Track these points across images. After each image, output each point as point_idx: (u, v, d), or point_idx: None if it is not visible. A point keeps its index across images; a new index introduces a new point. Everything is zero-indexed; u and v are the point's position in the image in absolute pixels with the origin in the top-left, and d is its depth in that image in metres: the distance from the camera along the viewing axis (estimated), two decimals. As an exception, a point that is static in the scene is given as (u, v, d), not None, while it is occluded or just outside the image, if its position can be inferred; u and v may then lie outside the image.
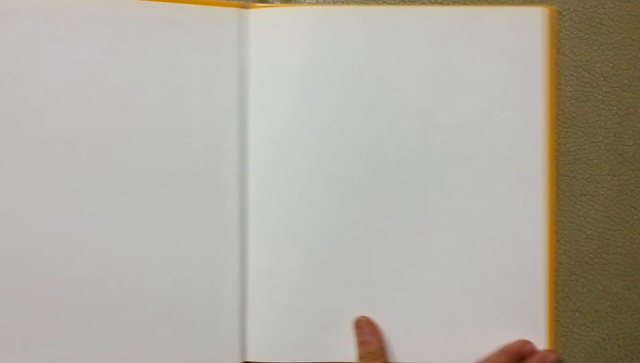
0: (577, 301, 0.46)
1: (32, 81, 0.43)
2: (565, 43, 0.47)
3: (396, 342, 0.45)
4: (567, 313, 0.46)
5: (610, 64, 0.47)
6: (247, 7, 0.45)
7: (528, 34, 0.46)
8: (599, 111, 0.47)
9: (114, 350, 0.44)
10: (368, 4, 0.47)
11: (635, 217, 0.46)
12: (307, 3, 0.47)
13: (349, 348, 0.45)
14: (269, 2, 0.46)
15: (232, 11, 0.45)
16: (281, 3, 0.47)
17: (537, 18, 0.46)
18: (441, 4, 0.47)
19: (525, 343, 0.45)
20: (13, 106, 0.43)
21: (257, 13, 0.45)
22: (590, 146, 0.47)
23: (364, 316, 0.45)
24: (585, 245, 0.46)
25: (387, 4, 0.46)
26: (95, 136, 0.44)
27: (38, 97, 0.43)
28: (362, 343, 0.44)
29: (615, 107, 0.47)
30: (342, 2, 0.47)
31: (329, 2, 0.47)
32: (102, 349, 0.44)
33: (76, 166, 0.43)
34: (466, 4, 0.47)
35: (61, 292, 0.43)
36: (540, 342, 0.45)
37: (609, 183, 0.46)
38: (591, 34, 0.47)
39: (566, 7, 0.47)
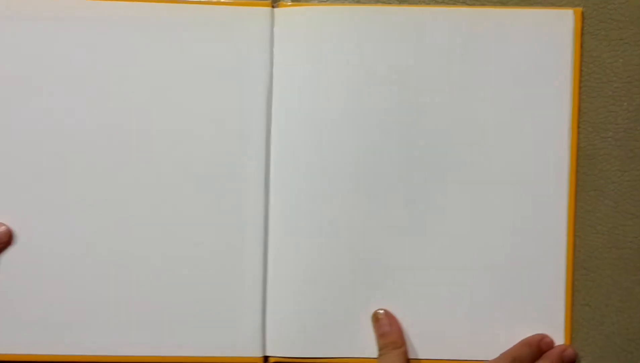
0: (587, 296, 0.47)
1: (72, 82, 0.46)
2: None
3: (416, 339, 0.46)
4: (577, 308, 0.47)
5: (621, 60, 0.47)
6: (273, 6, 0.46)
7: (557, 35, 0.46)
8: (609, 107, 0.47)
9: (143, 339, 0.46)
10: (396, 4, 0.47)
11: (646, 211, 0.47)
12: (315, 2, 0.47)
13: (368, 344, 0.46)
14: (294, 2, 0.47)
15: (259, 10, 0.46)
16: (290, 1, 0.47)
17: (566, 19, 0.46)
18: (470, 5, 0.47)
19: (544, 336, 0.46)
20: (51, 106, 0.46)
21: (283, 12, 0.46)
22: (601, 141, 0.47)
23: (382, 309, 0.46)
24: (595, 240, 0.47)
25: (416, 4, 0.47)
26: (129, 135, 0.46)
27: (75, 98, 0.46)
28: (381, 335, 0.46)
29: (625, 103, 0.47)
30: (360, 1, 0.47)
31: (343, 1, 0.47)
32: (133, 337, 0.46)
33: (110, 164, 0.46)
34: (494, 5, 0.47)
35: (96, 283, 0.46)
36: (559, 337, 0.46)
37: (619, 178, 0.47)
38: (601, 30, 0.47)
39: (577, 3, 0.47)
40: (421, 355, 0.46)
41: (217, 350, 0.46)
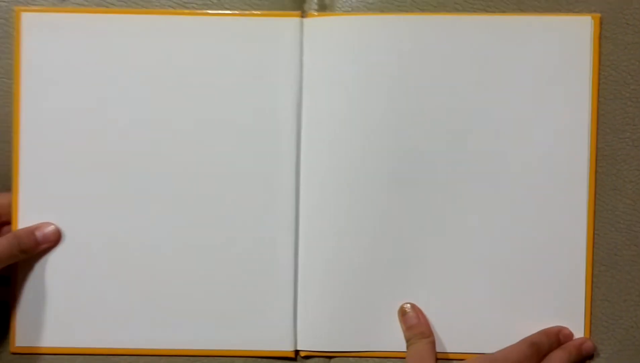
0: (606, 291, 0.49)
1: (122, 87, 0.49)
2: (593, 44, 0.49)
3: (440, 332, 0.48)
4: (596, 303, 0.48)
5: (637, 63, 0.48)
6: (302, 17, 0.49)
7: (576, 41, 0.48)
8: (627, 108, 0.49)
9: (179, 334, 0.49)
10: (419, 12, 0.49)
11: (663, 209, 0.48)
12: (344, 12, 0.50)
13: (396, 338, 0.48)
14: (322, 12, 0.49)
15: (289, 21, 0.48)
16: (318, 12, 0.50)
17: (584, 25, 0.48)
18: (492, 12, 0.49)
19: (563, 328, 0.48)
20: (101, 108, 0.49)
21: (311, 22, 0.49)
22: (618, 142, 0.49)
23: (409, 303, 0.48)
24: (614, 238, 0.49)
25: (440, 12, 0.49)
26: (170, 136, 0.49)
27: (124, 100, 0.49)
28: (409, 327, 0.47)
29: (642, 105, 0.49)
30: (385, 11, 0.49)
31: (369, 10, 0.49)
32: (169, 332, 0.49)
33: (152, 164, 0.49)
34: (516, 13, 0.49)
35: (136, 280, 0.49)
36: (579, 331, 0.48)
37: (637, 177, 0.48)
38: (618, 34, 0.48)
39: (592, 8, 0.49)
40: (445, 349, 0.48)
41: (251, 344, 0.49)
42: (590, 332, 0.48)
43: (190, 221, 0.49)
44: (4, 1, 0.49)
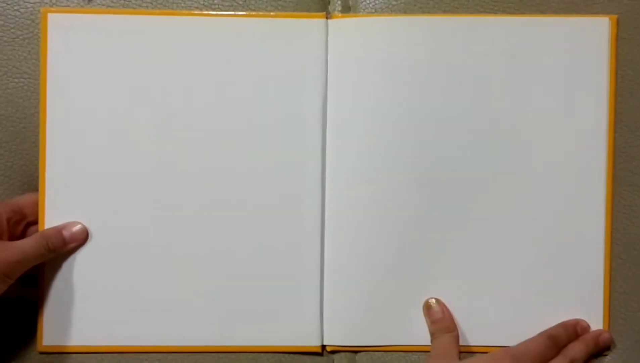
0: (623, 284, 0.50)
1: (150, 88, 0.49)
2: (610, 44, 0.50)
3: (463, 326, 0.49)
4: (614, 295, 0.50)
5: (653, 62, 0.50)
6: (327, 18, 0.49)
7: (594, 41, 0.49)
8: (643, 107, 0.50)
9: (208, 331, 0.49)
10: (441, 14, 0.50)
11: (678, 204, 0.50)
12: (367, 13, 0.50)
13: (420, 333, 0.49)
14: (346, 13, 0.50)
15: (314, 22, 0.49)
16: (342, 13, 0.50)
17: (602, 26, 0.49)
18: (511, 14, 0.50)
19: (580, 320, 0.49)
20: (129, 110, 0.49)
21: (336, 23, 0.49)
22: (635, 139, 0.50)
23: (433, 298, 0.49)
24: (631, 232, 0.50)
25: (461, 13, 0.50)
26: (198, 137, 0.49)
27: (152, 102, 0.49)
28: (434, 321, 0.49)
29: (658, 103, 0.50)
30: (408, 12, 0.50)
31: (392, 12, 0.50)
32: (199, 329, 0.49)
33: (181, 166, 0.49)
34: (535, 14, 0.50)
35: (167, 279, 0.49)
36: (597, 323, 0.50)
37: (653, 174, 0.50)
38: (635, 35, 0.50)
39: (610, 9, 0.50)
40: (469, 342, 0.50)
41: (277, 339, 0.50)
42: (609, 324, 0.50)
43: (217, 219, 0.49)
44: (30, 2, 0.50)
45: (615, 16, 0.50)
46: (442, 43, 0.49)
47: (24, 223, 0.49)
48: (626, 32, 0.50)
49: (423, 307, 0.49)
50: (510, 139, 0.49)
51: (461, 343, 0.49)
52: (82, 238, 0.49)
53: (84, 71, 0.49)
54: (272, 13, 0.50)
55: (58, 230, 0.48)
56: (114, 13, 0.49)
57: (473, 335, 0.50)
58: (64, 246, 0.48)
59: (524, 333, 0.48)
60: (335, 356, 0.50)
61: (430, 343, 0.49)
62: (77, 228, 0.48)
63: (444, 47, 0.49)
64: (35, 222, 0.49)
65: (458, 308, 0.49)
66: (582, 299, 0.50)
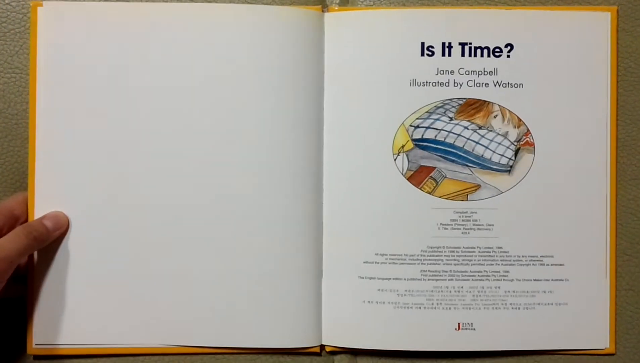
0: (630, 281, 0.49)
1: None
2: (611, 36, 0.49)
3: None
4: (620, 292, 0.49)
5: (656, 55, 0.49)
6: (323, 11, 0.49)
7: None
8: (646, 99, 0.49)
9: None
10: (440, 6, 0.49)
11: (683, 199, 0.49)
12: (365, 6, 0.50)
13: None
14: (343, 6, 0.49)
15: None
16: (339, 6, 0.50)
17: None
18: (511, 6, 0.49)
19: None
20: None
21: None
22: (638, 132, 0.49)
23: None
24: (636, 227, 0.49)
25: (459, 6, 0.49)
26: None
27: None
28: None
29: (661, 96, 0.49)
30: (407, 4, 0.50)
31: (391, 4, 0.50)
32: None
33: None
34: (535, 7, 0.49)
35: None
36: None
37: (657, 167, 0.49)
38: (636, 26, 0.49)
39: (612, 1, 0.49)
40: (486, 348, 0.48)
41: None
42: (616, 322, 0.49)
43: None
44: (22, -4, 0.49)
45: (615, 7, 0.49)
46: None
47: (18, 224, 0.47)
48: (627, 24, 0.49)
49: None
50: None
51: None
52: (65, 224, 0.47)
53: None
54: (267, 5, 0.49)
55: (39, 221, 0.47)
56: (106, 2, 0.48)
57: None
58: (49, 235, 0.46)
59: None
60: (336, 357, 0.49)
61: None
62: (58, 215, 0.47)
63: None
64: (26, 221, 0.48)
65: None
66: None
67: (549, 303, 0.48)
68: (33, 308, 0.48)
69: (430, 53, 0.48)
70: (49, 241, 0.47)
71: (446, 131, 0.49)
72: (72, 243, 0.48)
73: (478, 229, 0.48)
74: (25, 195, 0.48)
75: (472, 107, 0.49)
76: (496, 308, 0.48)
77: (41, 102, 0.48)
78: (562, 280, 0.48)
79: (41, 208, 0.48)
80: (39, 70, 0.48)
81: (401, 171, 0.48)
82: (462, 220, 0.48)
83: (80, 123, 0.48)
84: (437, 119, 0.49)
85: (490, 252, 0.48)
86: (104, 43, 0.48)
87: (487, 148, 0.48)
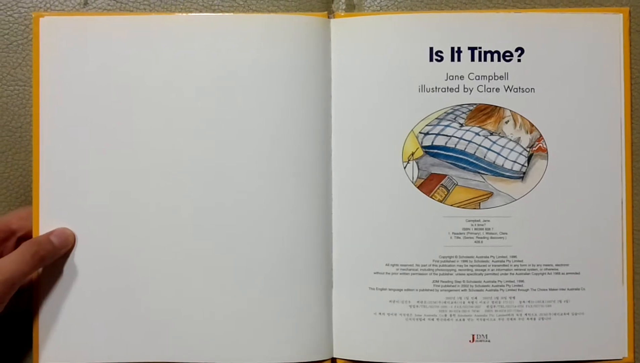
0: (648, 287, 0.48)
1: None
2: (624, 38, 0.48)
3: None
4: (638, 300, 0.48)
5: (669, 56, 0.48)
6: (329, 17, 0.48)
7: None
8: (660, 102, 0.48)
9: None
10: (448, 10, 0.48)
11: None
12: (371, 11, 0.49)
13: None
14: (349, 11, 0.49)
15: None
16: (345, 12, 0.49)
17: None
18: (522, 9, 0.48)
19: None
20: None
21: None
22: (653, 136, 0.48)
23: None
24: (653, 233, 0.48)
25: (469, 10, 0.48)
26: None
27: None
28: None
29: (676, 98, 0.48)
30: (414, 9, 0.49)
31: (398, 9, 0.49)
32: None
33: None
34: (546, 9, 0.48)
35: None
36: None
37: (674, 171, 0.48)
38: (649, 27, 0.48)
39: (622, 2, 0.48)
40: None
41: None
42: (634, 330, 0.47)
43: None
44: (24, 7, 0.48)
45: (627, 9, 0.48)
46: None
47: (13, 239, 0.47)
48: (633, 23, 0.48)
49: None
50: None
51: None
52: (71, 242, 0.47)
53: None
54: (273, 13, 0.48)
55: (46, 237, 0.46)
56: (109, 15, 0.48)
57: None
58: (55, 252, 0.46)
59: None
60: (346, 370, 0.48)
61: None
62: (64, 232, 0.46)
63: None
64: (26, 236, 0.47)
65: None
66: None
67: (565, 313, 0.47)
68: (38, 326, 0.47)
69: (439, 58, 0.47)
70: (55, 258, 0.46)
71: (457, 137, 0.48)
72: (77, 257, 0.47)
73: (491, 237, 0.47)
74: (25, 210, 0.47)
75: (483, 113, 0.48)
76: (511, 319, 0.47)
77: (45, 115, 0.47)
78: (578, 289, 0.47)
79: (46, 221, 0.47)
80: (42, 82, 0.47)
81: (411, 179, 0.47)
82: (475, 229, 0.47)
83: (85, 135, 0.47)
84: (448, 126, 0.48)
85: (504, 261, 0.47)
86: (109, 55, 0.47)
87: (499, 154, 0.47)
